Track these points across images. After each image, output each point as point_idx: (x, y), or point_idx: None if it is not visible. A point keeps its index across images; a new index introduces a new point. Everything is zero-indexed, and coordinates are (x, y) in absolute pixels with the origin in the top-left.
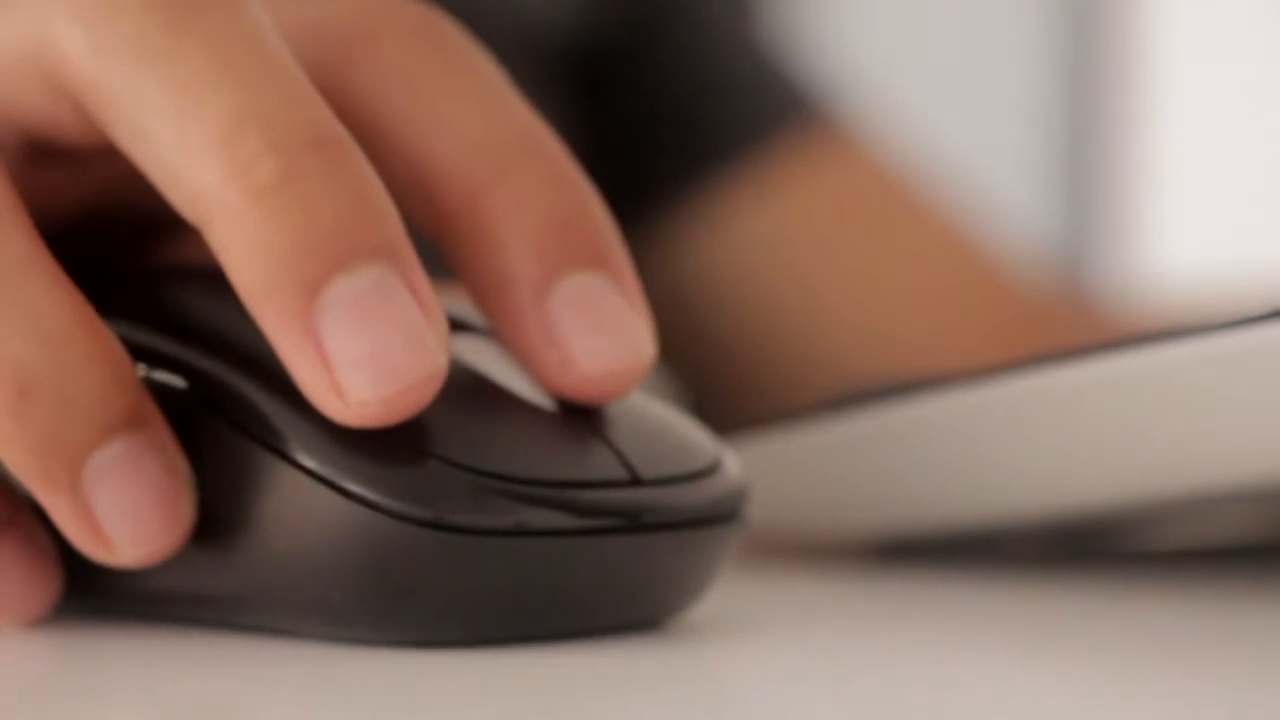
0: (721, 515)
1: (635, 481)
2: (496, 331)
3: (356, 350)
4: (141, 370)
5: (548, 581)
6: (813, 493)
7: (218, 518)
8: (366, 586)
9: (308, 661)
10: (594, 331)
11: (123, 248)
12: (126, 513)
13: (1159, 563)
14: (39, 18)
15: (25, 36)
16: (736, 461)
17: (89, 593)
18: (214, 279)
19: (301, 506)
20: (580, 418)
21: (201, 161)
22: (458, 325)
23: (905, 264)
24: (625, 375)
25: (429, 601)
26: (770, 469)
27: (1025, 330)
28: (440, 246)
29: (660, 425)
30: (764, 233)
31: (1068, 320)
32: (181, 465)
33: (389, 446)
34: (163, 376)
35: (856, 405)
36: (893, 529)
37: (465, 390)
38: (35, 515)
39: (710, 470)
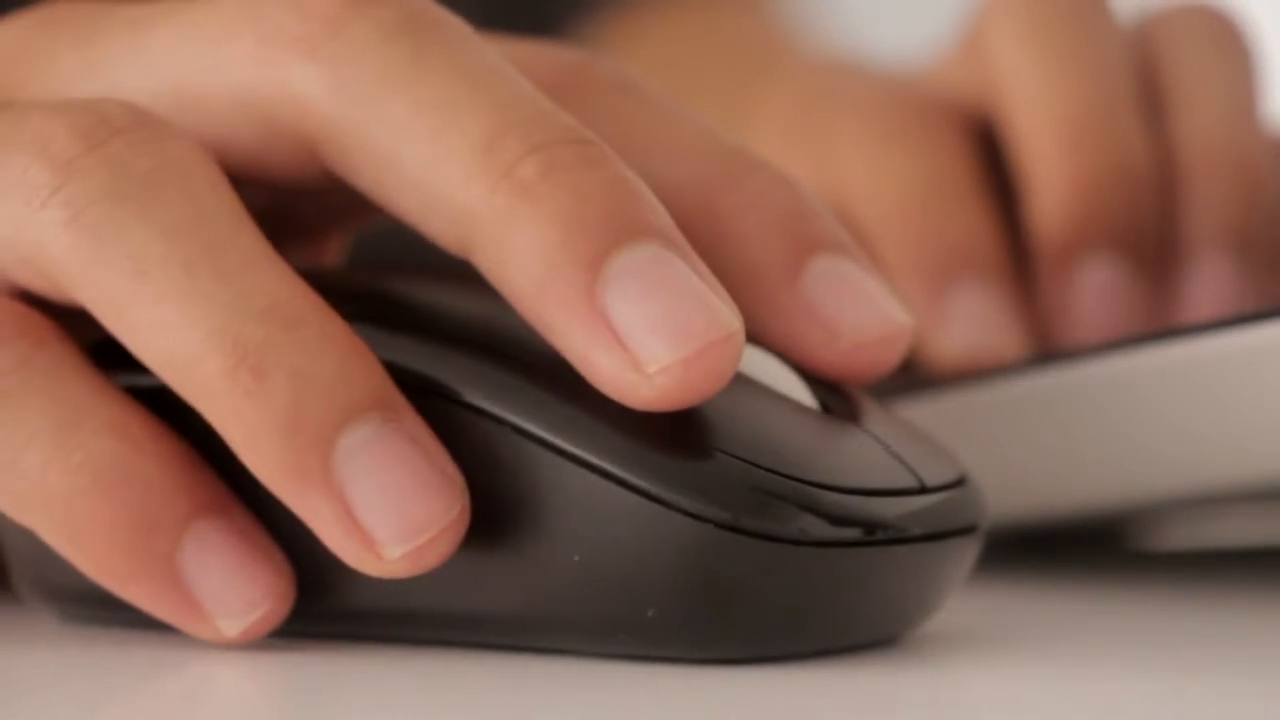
0: (983, 521)
1: (923, 489)
2: (753, 322)
3: (650, 312)
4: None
5: (835, 592)
6: None
7: (494, 530)
8: (689, 601)
9: (612, 682)
10: (853, 302)
11: None
12: (389, 501)
13: (1159, 562)
14: (268, 60)
15: (249, 78)
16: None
17: (332, 614)
18: (458, 276)
19: (608, 516)
20: (850, 422)
21: (463, 175)
22: None
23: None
24: (892, 342)
25: (747, 614)
26: None
27: None
28: None
29: (911, 430)
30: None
31: None
32: (445, 459)
33: (699, 452)
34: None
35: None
36: None
37: (746, 396)
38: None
39: (966, 475)
